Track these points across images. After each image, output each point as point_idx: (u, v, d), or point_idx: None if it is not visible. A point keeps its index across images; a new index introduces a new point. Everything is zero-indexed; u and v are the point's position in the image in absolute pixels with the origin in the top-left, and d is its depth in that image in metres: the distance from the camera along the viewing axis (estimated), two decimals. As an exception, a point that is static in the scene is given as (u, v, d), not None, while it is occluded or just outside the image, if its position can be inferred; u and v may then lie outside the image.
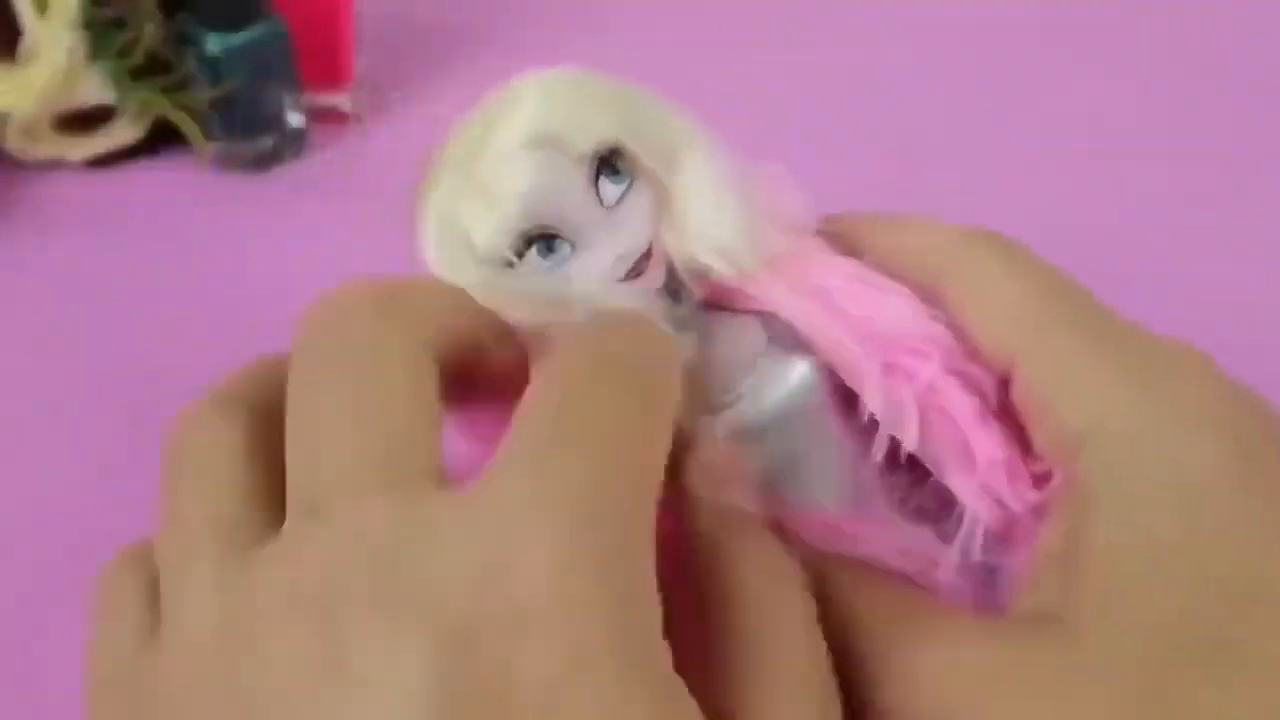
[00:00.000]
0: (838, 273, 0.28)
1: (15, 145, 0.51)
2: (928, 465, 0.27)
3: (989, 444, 0.26)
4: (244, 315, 0.46)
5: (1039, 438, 0.25)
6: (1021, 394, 0.25)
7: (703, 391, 0.27)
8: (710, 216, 0.28)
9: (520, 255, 0.26)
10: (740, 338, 0.28)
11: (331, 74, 0.54)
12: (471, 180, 0.27)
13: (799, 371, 0.27)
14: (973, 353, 0.26)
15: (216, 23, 0.49)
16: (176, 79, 0.51)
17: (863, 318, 0.27)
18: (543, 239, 0.27)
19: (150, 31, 0.50)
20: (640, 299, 0.27)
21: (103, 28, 0.49)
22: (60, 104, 0.50)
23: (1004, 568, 0.26)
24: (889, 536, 0.26)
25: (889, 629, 0.23)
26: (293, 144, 0.53)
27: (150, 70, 0.50)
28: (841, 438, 0.27)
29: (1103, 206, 0.51)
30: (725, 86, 0.58)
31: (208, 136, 0.52)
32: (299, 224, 0.50)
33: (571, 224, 0.27)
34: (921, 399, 0.26)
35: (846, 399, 0.27)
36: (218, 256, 0.49)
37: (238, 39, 0.49)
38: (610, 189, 0.27)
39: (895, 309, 0.27)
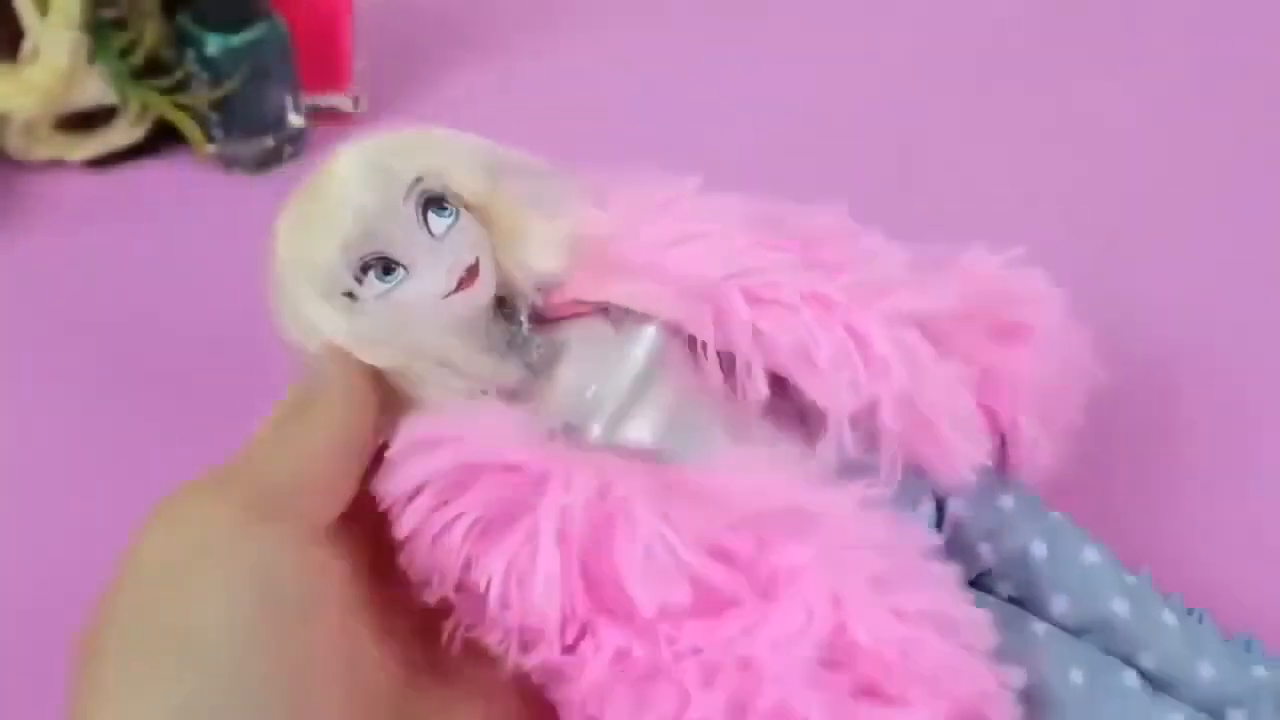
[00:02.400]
0: (645, 249, 0.32)
1: (16, 146, 0.51)
2: (789, 380, 0.31)
3: (828, 339, 0.30)
4: (245, 314, 0.46)
5: None
6: None
7: (574, 392, 0.31)
8: (533, 225, 0.32)
9: (360, 280, 0.30)
10: (589, 334, 0.31)
11: (331, 74, 0.54)
12: (311, 212, 0.30)
13: (646, 335, 0.31)
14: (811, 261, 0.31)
15: (217, 24, 0.49)
16: (177, 80, 0.51)
17: (684, 275, 0.31)
18: (379, 262, 0.30)
19: (151, 32, 0.50)
20: (471, 305, 0.31)
21: (104, 29, 0.49)
22: (61, 105, 0.50)
23: (877, 464, 0.30)
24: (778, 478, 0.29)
25: None
26: (293, 144, 0.53)
27: (151, 71, 0.51)
28: (707, 386, 0.31)
29: (1101, 203, 0.51)
30: (723, 85, 0.59)
31: (208, 137, 0.52)
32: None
33: (404, 249, 0.30)
34: (760, 324, 0.30)
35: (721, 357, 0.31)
36: (218, 257, 0.49)
37: (238, 40, 0.49)
38: (438, 222, 0.31)
39: (705, 255, 0.31)
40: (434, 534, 0.27)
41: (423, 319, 0.30)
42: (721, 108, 0.57)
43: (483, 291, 0.31)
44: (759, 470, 0.29)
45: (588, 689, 0.27)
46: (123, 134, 0.52)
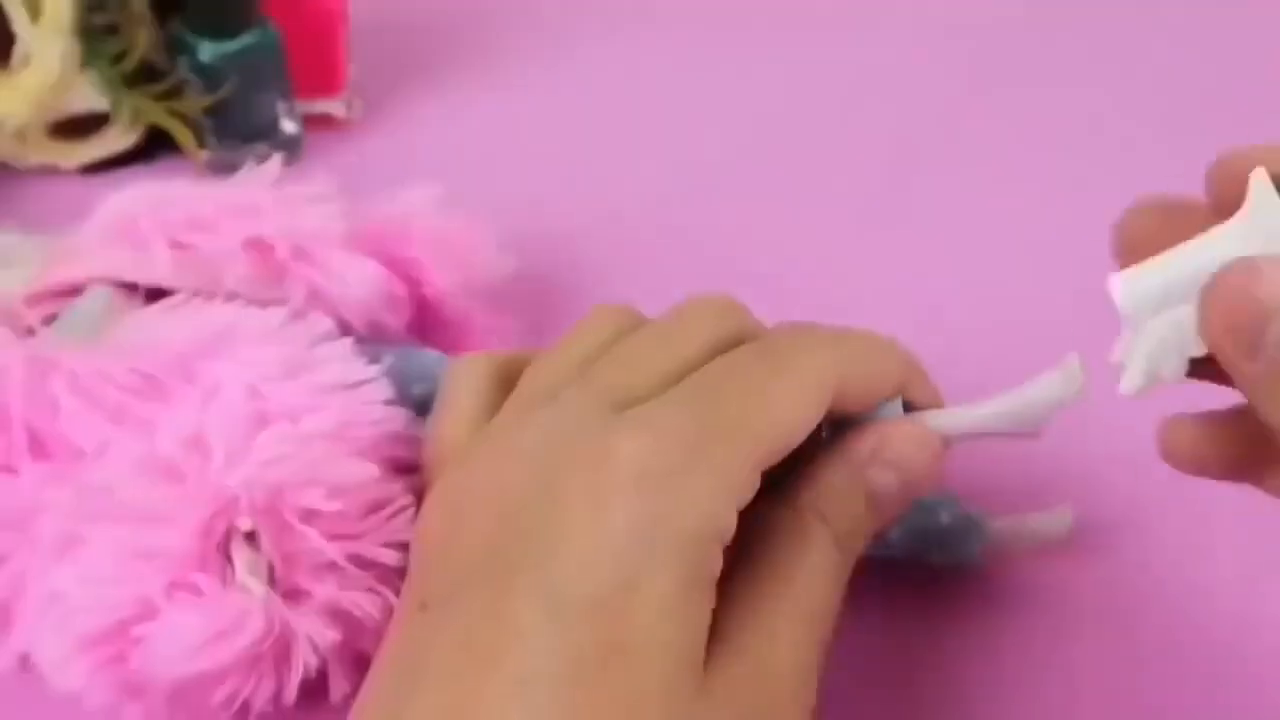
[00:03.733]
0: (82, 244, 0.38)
1: (9, 152, 0.51)
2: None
3: (216, 207, 0.37)
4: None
5: None
6: None
7: None
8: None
9: None
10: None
11: (325, 80, 0.54)
12: None
13: (90, 294, 0.36)
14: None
15: (209, 30, 0.49)
16: (170, 86, 0.51)
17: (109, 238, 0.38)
18: None
19: (143, 39, 0.50)
20: None
21: (96, 35, 0.49)
22: (54, 111, 0.50)
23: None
24: None
25: None
26: (287, 150, 0.53)
27: (144, 77, 0.50)
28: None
29: (1099, 204, 0.51)
30: (721, 88, 0.59)
31: (201, 143, 0.52)
32: (293, 230, 0.50)
33: None
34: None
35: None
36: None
37: (231, 46, 0.49)
38: None
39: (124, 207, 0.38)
40: None
41: None
42: (719, 111, 0.57)
43: None
44: (179, 321, 0.34)
45: (30, 497, 0.31)
46: (116, 140, 0.52)
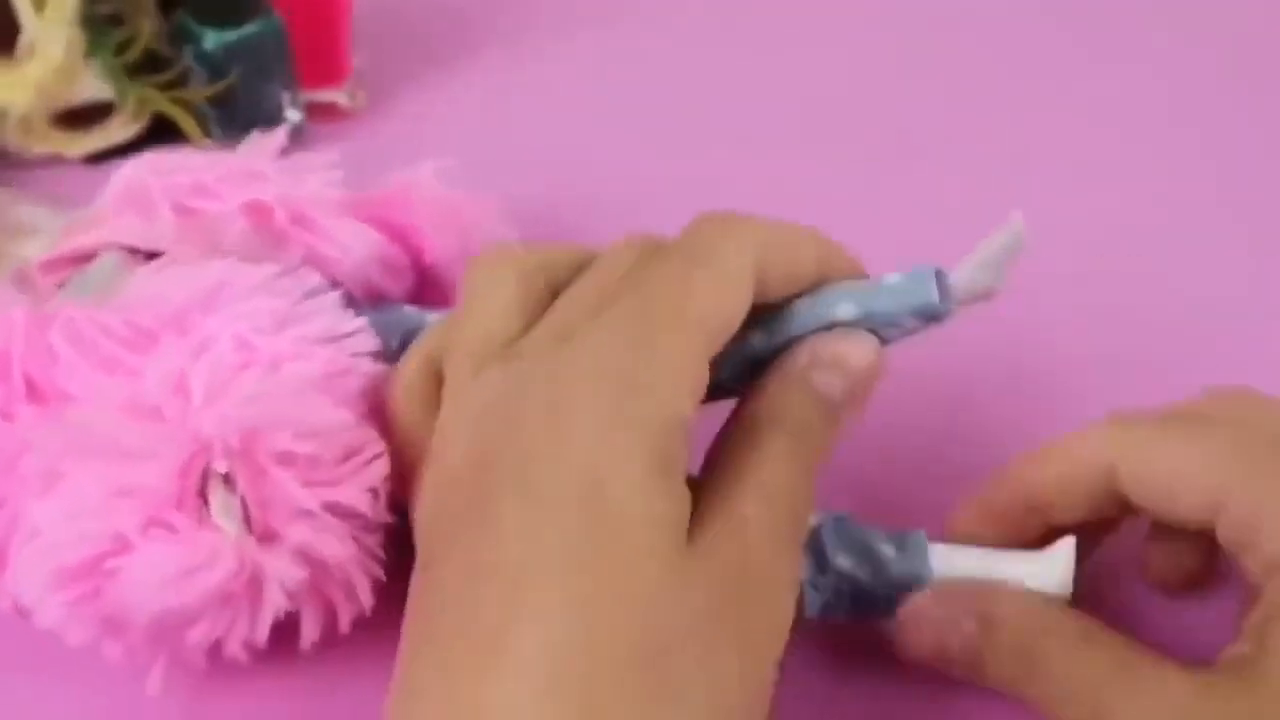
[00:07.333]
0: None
1: (13, 142, 0.51)
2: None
3: (217, 175, 0.38)
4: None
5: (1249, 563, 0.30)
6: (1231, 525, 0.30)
7: None
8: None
9: None
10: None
11: (329, 70, 0.54)
12: None
13: (100, 260, 0.36)
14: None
15: (214, 19, 0.49)
16: (174, 75, 0.51)
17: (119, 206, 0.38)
18: None
19: (148, 28, 0.50)
20: None
21: (100, 24, 0.49)
22: (58, 100, 0.50)
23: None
24: None
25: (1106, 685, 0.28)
26: (291, 140, 0.53)
27: (148, 66, 0.51)
28: None
29: (1102, 203, 0.51)
30: (720, 83, 0.59)
31: (206, 133, 0.52)
32: (297, 219, 0.50)
33: None
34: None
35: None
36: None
37: (235, 35, 0.49)
38: None
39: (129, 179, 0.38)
40: None
41: None
42: (725, 97, 0.57)
43: None
44: (175, 278, 0.34)
45: (20, 439, 0.31)
46: (120, 130, 0.52)
